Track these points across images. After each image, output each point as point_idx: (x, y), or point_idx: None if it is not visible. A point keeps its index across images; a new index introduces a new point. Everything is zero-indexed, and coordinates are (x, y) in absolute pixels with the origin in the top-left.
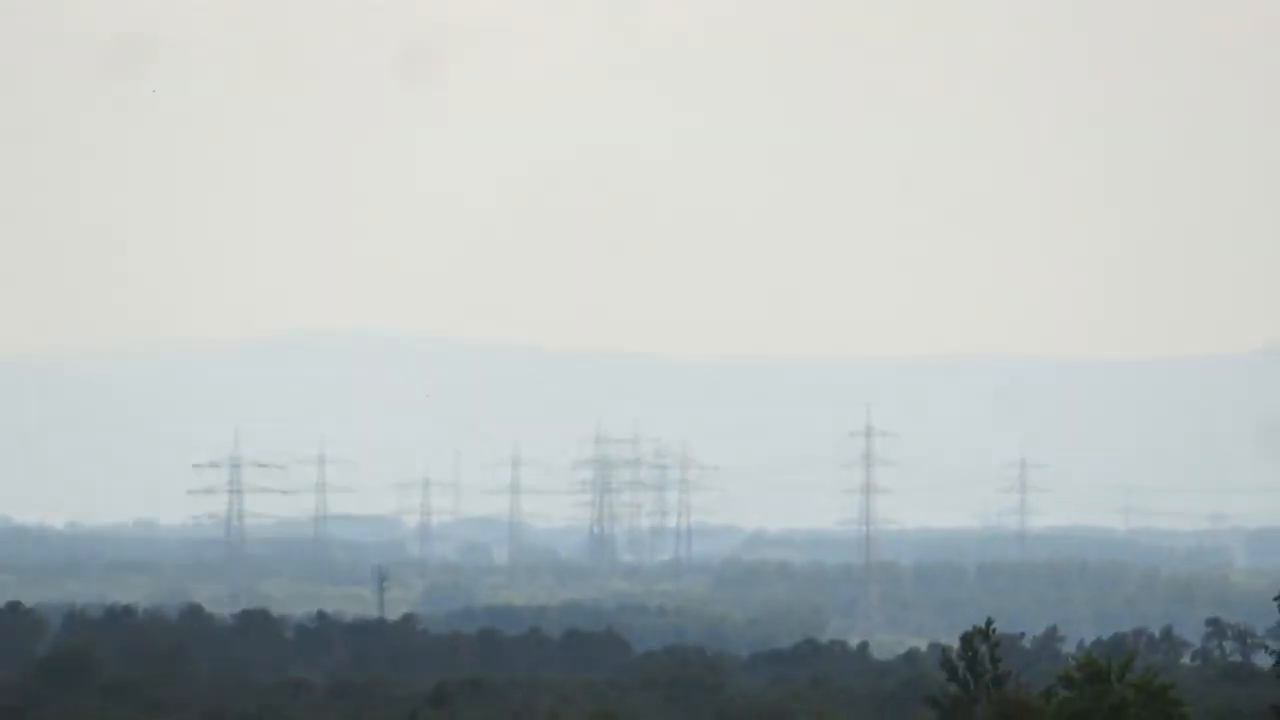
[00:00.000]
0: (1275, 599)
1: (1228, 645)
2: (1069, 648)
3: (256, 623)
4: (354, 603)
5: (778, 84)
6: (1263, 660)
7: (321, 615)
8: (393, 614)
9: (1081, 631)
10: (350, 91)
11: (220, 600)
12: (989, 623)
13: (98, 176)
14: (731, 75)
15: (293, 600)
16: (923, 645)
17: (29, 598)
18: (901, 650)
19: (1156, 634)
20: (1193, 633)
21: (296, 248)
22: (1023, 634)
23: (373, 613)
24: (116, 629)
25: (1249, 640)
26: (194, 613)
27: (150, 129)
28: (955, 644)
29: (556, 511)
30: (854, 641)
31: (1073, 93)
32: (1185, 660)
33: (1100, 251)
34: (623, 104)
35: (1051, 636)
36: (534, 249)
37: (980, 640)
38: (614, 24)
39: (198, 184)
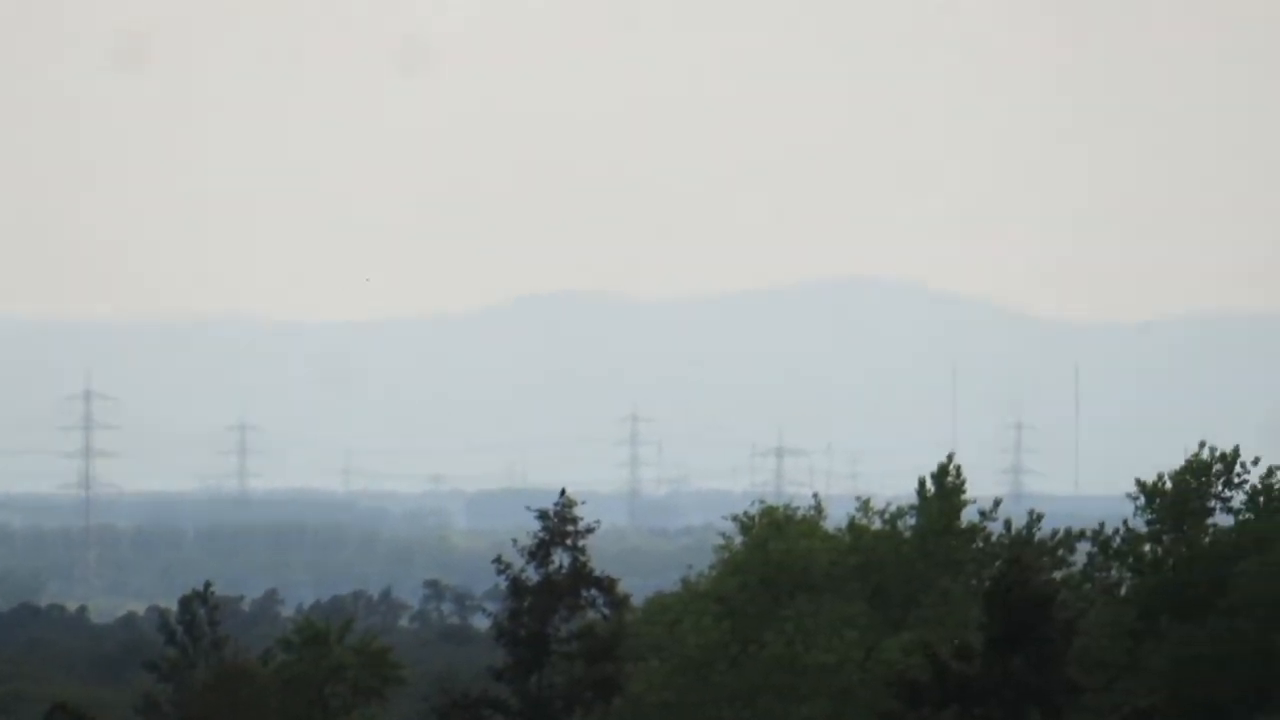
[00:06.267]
0: (493, 561)
1: (446, 607)
2: (289, 611)
3: None
4: None
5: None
6: (481, 622)
7: None
8: None
9: (301, 595)
10: None
11: None
12: (207, 585)
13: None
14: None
15: None
16: (141, 609)
17: None
18: (120, 614)
19: (375, 596)
20: (413, 594)
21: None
22: (242, 597)
23: None
24: None
25: (467, 602)
26: None
27: None
28: (174, 607)
29: None
30: (72, 605)
31: None
32: (404, 622)
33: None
34: None
35: (271, 599)
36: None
37: (198, 603)
38: None
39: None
